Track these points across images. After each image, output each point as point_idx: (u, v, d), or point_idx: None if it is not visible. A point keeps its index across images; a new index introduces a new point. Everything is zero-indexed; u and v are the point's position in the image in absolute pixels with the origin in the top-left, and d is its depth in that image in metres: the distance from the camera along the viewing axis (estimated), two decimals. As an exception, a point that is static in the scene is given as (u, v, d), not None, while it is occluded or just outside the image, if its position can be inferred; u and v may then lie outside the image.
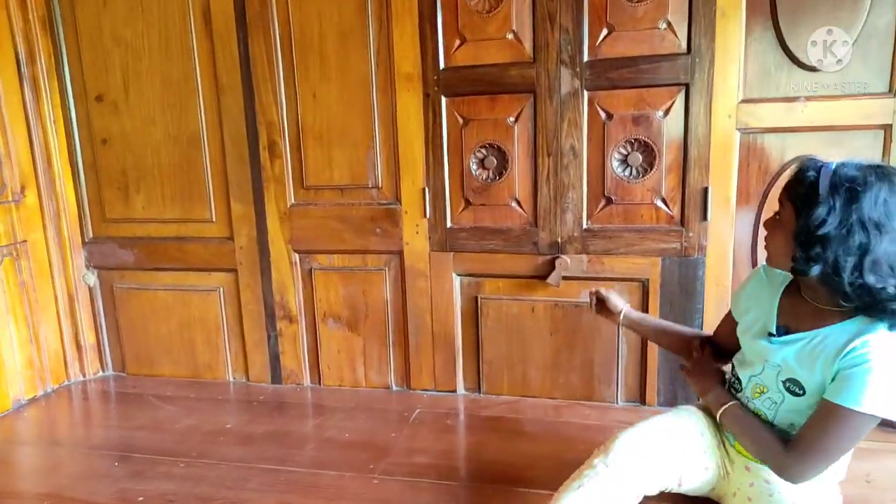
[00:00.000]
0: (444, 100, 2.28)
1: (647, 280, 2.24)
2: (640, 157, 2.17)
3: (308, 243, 2.53)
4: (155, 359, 2.80)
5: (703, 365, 1.58)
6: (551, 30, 2.14)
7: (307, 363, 2.65)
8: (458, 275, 2.43)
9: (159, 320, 2.76)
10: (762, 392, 1.41)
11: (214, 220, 2.60)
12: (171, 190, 2.60)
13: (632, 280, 2.26)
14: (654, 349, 2.29)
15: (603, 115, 2.17)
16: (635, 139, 2.16)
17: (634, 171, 2.19)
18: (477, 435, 2.22)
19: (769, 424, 1.39)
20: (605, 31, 2.12)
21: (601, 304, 1.87)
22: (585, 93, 2.17)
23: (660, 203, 2.18)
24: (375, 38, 2.29)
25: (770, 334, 1.38)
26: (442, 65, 2.26)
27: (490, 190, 2.32)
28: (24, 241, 2.60)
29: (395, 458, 2.07)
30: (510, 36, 2.19)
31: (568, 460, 1.96)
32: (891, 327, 1.21)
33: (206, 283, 2.67)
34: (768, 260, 1.39)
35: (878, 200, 1.16)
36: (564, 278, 2.29)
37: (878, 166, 1.21)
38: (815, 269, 1.21)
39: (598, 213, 2.25)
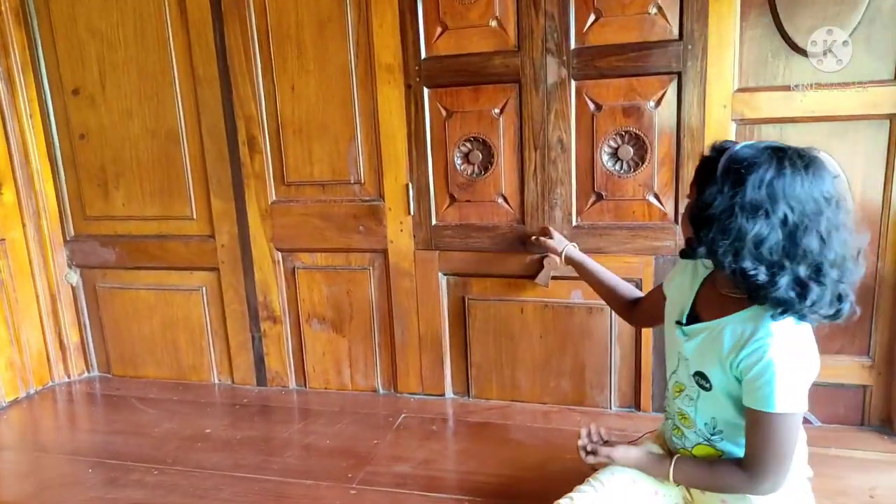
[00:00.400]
0: (426, 91, 2.18)
1: (640, 280, 2.13)
2: (631, 150, 2.05)
3: (290, 241, 2.44)
4: (139, 360, 2.74)
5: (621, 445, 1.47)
6: (536, 16, 2.03)
7: (292, 365, 2.57)
8: (445, 274, 2.33)
9: (142, 320, 2.69)
10: (681, 390, 1.41)
11: (195, 217, 2.52)
12: (151, 186, 2.53)
13: (624, 279, 2.15)
14: (648, 352, 2.19)
15: (591, 105, 2.06)
16: (626, 131, 2.05)
17: (625, 165, 2.08)
18: (463, 442, 2.13)
19: (704, 439, 1.38)
20: (592, 17, 2.00)
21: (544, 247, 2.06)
22: (573, 82, 2.06)
23: (652, 199, 2.07)
24: (354, 27, 2.20)
25: (678, 322, 1.40)
26: (423, 54, 2.16)
27: (475, 185, 2.22)
28: (3, 239, 2.54)
29: (375, 467, 1.98)
30: (493, 23, 2.08)
31: (556, 472, 1.90)
32: (774, 316, 1.19)
33: (188, 283, 2.60)
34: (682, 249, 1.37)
35: (763, 182, 1.14)
36: (554, 278, 2.19)
37: (776, 148, 1.18)
38: (700, 252, 1.22)
39: (587, 209, 2.14)
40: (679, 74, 1.97)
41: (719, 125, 1.97)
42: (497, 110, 2.14)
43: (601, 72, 2.03)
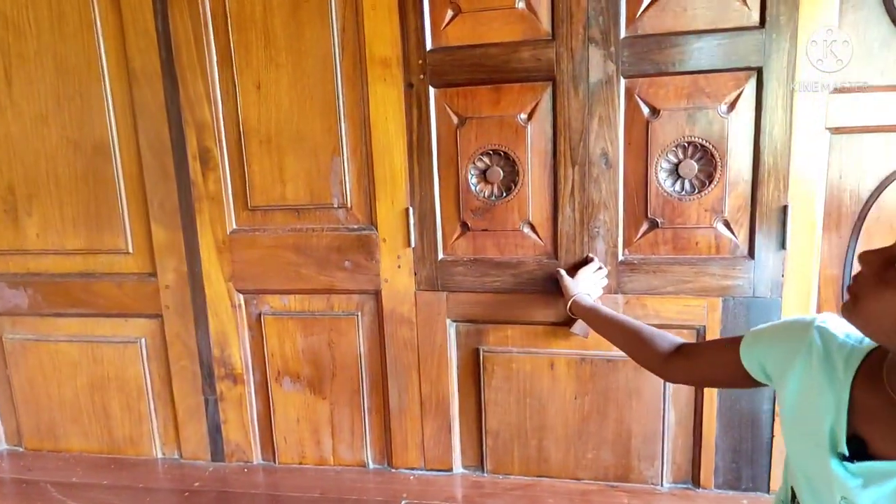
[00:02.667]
0: (432, 91, 1.71)
1: (704, 327, 1.70)
2: (696, 165, 1.63)
3: (255, 281, 1.93)
4: (60, 430, 2.17)
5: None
6: (579, -5, 1.59)
7: (257, 435, 2.05)
8: (454, 321, 1.86)
9: (63, 381, 2.13)
10: None
11: (131, 251, 1.98)
12: (74, 212, 1.98)
13: (683, 327, 1.72)
14: (711, 415, 1.76)
15: (646, 110, 1.63)
16: (689, 142, 1.62)
17: (688, 185, 1.65)
18: (484, 540, 1.65)
19: None
20: (649, -1, 1.58)
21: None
22: (622, 80, 1.62)
23: (721, 227, 1.65)
24: (339, 9, 1.72)
25: (842, 455, 0.85)
26: (429, 45, 1.69)
27: (494, 210, 1.76)
28: None
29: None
30: (521, 5, 1.63)
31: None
32: None
33: (122, 333, 2.05)
34: (861, 326, 0.82)
35: None
36: (594, 325, 1.74)
37: None
38: None
39: (638, 240, 1.70)
40: (759, 70, 1.56)
41: (810, 136, 1.56)
42: (524, 116, 1.68)
43: (659, 67, 1.60)
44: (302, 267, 1.89)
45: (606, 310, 1.50)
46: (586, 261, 1.71)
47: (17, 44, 1.89)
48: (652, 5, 1.58)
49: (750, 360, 1.03)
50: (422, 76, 1.70)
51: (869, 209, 1.59)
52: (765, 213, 1.61)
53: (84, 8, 1.83)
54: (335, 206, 1.84)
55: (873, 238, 1.59)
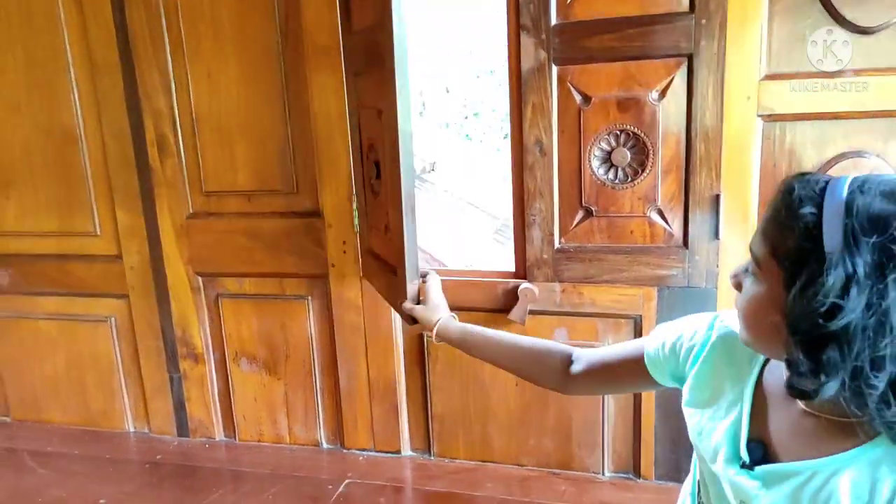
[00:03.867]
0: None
1: (640, 317, 1.69)
2: (629, 153, 1.61)
3: (212, 264, 2.00)
4: (42, 403, 2.29)
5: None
6: (507, -18, 1.59)
7: (219, 413, 2.13)
8: (398, 306, 1.89)
9: (43, 356, 2.24)
10: None
11: (99, 233, 2.07)
12: (47, 196, 2.08)
13: (619, 316, 1.72)
14: (650, 406, 1.75)
15: (578, 97, 1.62)
16: (622, 130, 1.61)
17: (621, 174, 1.63)
18: (416, 521, 1.69)
19: None
20: (578, -17, 1.56)
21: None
22: (554, 68, 1.62)
23: (655, 216, 1.63)
24: (282, -2, 1.76)
25: (742, 463, 0.82)
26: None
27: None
28: None
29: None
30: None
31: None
32: None
33: (94, 312, 2.16)
34: (743, 337, 0.80)
35: None
36: (531, 313, 1.75)
37: None
38: (831, 388, 0.67)
39: (573, 228, 1.70)
40: (690, 57, 1.53)
41: (742, 123, 1.53)
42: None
43: (590, 54, 1.59)
44: (255, 251, 1.95)
45: (482, 329, 1.26)
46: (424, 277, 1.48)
47: (-9, 36, 1.99)
48: (583, -9, 1.57)
49: (655, 366, 1.00)
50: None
51: (806, 199, 1.55)
52: (698, 201, 1.59)
53: (49, 2, 1.92)
54: (283, 191, 1.88)
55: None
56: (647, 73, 1.56)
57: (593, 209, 1.67)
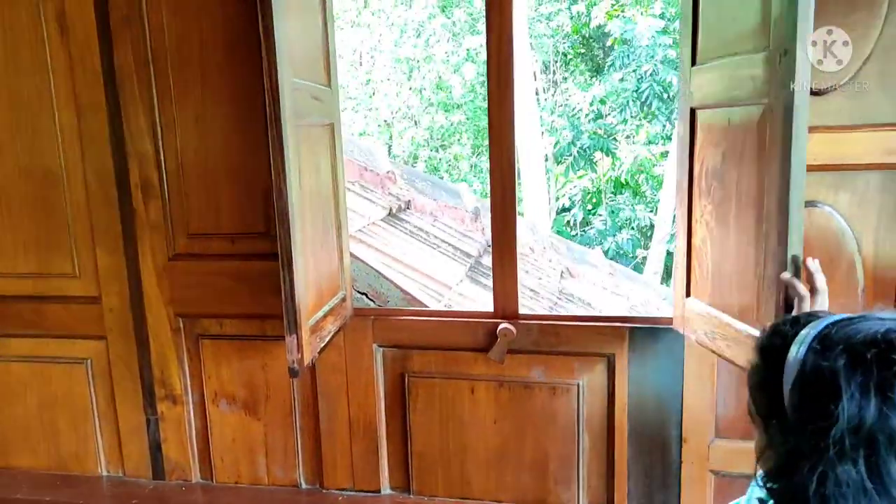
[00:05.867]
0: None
1: (613, 356, 1.77)
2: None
3: (194, 305, 2.02)
4: (11, 447, 2.24)
5: None
6: None
7: (196, 454, 2.12)
8: (381, 346, 1.94)
9: (14, 399, 2.20)
10: None
11: (78, 274, 2.07)
12: (25, 236, 2.08)
13: (594, 355, 1.79)
14: (623, 440, 1.82)
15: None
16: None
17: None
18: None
19: None
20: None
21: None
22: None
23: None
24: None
25: None
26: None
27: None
28: None
29: None
30: None
31: None
32: None
33: (70, 354, 2.14)
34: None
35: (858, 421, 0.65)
36: (511, 352, 1.82)
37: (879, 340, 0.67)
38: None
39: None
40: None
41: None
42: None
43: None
44: (237, 292, 1.97)
45: None
46: None
47: (-26, 79, 2.01)
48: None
49: None
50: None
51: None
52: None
53: (37, 46, 1.94)
54: (267, 234, 1.92)
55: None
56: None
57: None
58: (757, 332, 1.13)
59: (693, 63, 1.55)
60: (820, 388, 0.67)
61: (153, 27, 1.87)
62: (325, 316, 1.70)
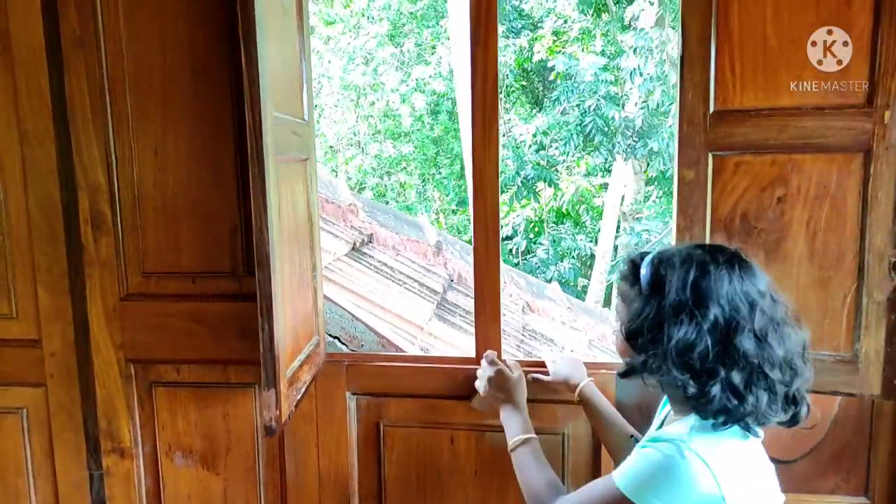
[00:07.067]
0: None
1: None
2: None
3: (148, 350, 1.85)
4: (-72, 508, 2.00)
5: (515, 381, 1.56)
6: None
7: (145, 514, 1.94)
8: (354, 394, 1.82)
9: (-66, 455, 1.97)
10: None
11: (15, 315, 1.88)
12: (-45, 275, 1.88)
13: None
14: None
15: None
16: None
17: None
18: None
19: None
20: None
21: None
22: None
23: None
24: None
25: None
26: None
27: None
28: None
29: None
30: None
31: None
32: (715, 427, 1.07)
33: (2, 403, 1.93)
34: None
35: (687, 283, 1.07)
36: (493, 399, 1.73)
37: (697, 246, 1.15)
38: (634, 368, 1.16)
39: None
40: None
41: None
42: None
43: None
44: (197, 336, 1.82)
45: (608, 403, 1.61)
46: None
47: None
48: None
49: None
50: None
51: None
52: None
53: (-25, 66, 1.77)
54: (232, 273, 1.79)
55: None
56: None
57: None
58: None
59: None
60: (658, 280, 1.11)
61: (110, 51, 1.73)
62: (301, 365, 1.58)
